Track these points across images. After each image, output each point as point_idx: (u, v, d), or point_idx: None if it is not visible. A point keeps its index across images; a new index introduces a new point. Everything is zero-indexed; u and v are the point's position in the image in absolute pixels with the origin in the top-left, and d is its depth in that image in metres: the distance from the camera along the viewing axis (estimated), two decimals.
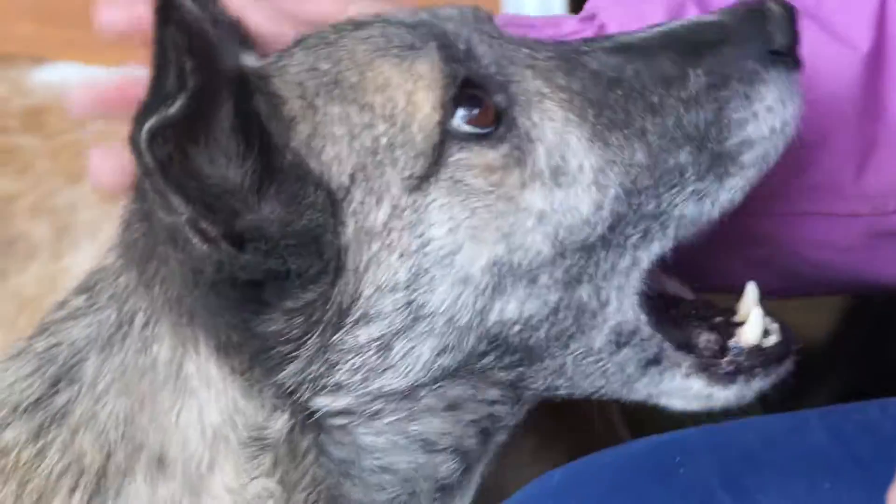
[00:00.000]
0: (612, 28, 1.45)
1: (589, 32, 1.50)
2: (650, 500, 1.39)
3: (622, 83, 1.23)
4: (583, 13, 1.53)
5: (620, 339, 1.23)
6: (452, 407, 1.23)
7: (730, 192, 1.24)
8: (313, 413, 1.18)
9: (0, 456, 1.22)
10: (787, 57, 1.25)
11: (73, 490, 1.20)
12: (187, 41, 1.05)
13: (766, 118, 1.24)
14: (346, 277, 1.16)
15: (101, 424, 1.20)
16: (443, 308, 1.17)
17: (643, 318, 1.25)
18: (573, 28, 1.51)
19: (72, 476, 1.21)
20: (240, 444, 1.18)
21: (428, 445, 1.24)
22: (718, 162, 1.23)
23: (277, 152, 1.16)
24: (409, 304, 1.17)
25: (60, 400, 1.22)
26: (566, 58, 1.23)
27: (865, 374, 2.07)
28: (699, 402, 1.27)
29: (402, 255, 1.16)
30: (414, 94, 1.18)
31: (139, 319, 1.20)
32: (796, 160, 1.41)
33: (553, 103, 1.21)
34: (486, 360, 1.21)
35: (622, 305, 1.24)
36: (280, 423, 1.18)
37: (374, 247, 1.16)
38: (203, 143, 1.11)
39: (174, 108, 1.05)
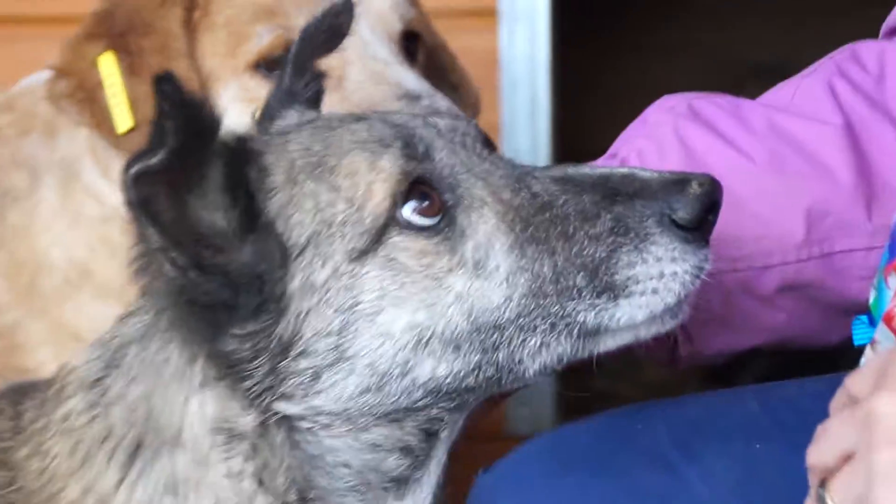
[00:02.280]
0: (633, 159, 1.67)
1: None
2: (618, 457, 1.64)
3: (551, 208, 1.41)
4: (608, 153, 1.76)
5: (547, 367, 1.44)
6: (396, 420, 1.43)
7: (625, 310, 1.42)
8: (277, 414, 1.39)
9: (63, 419, 1.45)
10: (687, 228, 1.41)
11: (112, 452, 1.42)
12: (171, 108, 1.23)
13: (654, 265, 1.42)
14: (288, 318, 1.37)
15: (129, 403, 1.42)
16: (363, 354, 1.38)
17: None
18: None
19: (111, 442, 1.43)
20: (227, 432, 1.40)
21: (376, 448, 1.44)
22: (610, 289, 1.41)
23: (259, 211, 1.36)
24: (337, 347, 1.38)
25: (107, 381, 1.45)
26: (517, 177, 1.43)
27: (784, 360, 2.32)
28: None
29: (336, 310, 1.37)
30: (373, 183, 1.38)
31: (163, 323, 1.41)
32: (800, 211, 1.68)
33: (490, 211, 1.41)
34: (426, 404, 1.41)
35: (535, 365, 1.43)
36: (250, 420, 1.39)
37: (315, 299, 1.37)
38: (197, 193, 1.31)
39: (155, 159, 1.24)
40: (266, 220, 1.36)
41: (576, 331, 1.42)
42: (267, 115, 1.55)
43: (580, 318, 1.43)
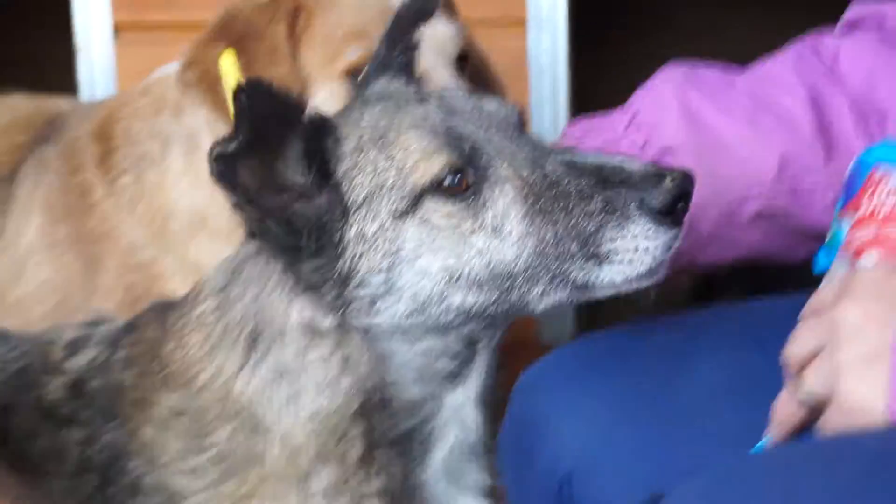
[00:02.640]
0: (644, 112, 1.93)
1: (626, 118, 1.93)
2: (629, 360, 1.91)
3: (557, 186, 1.63)
4: (621, 107, 2.01)
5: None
6: (440, 334, 1.70)
7: (607, 275, 1.64)
8: (353, 323, 1.69)
9: (198, 317, 1.74)
10: (661, 213, 1.61)
11: (234, 343, 1.73)
12: (248, 104, 1.53)
13: (631, 241, 1.61)
14: (345, 258, 1.66)
15: (245, 304, 1.72)
16: (407, 287, 1.66)
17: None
18: (616, 117, 1.95)
19: (233, 335, 1.73)
20: (318, 332, 1.69)
21: (428, 353, 1.72)
22: (596, 256, 1.63)
23: (330, 174, 1.65)
24: (387, 282, 1.66)
25: (230, 287, 1.76)
26: (535, 158, 1.65)
27: (759, 283, 2.55)
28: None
29: (383, 255, 1.65)
30: (419, 161, 1.64)
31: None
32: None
33: (510, 187, 1.64)
34: (461, 322, 1.67)
35: (540, 305, 1.68)
36: (329, 322, 1.68)
37: (367, 246, 1.66)
38: (281, 160, 1.61)
39: (230, 147, 1.56)
40: (335, 181, 1.64)
41: (569, 284, 1.66)
42: (364, 82, 1.80)
43: (572, 275, 1.64)
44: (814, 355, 1.61)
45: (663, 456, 1.84)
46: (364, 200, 1.64)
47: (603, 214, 1.62)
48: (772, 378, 1.70)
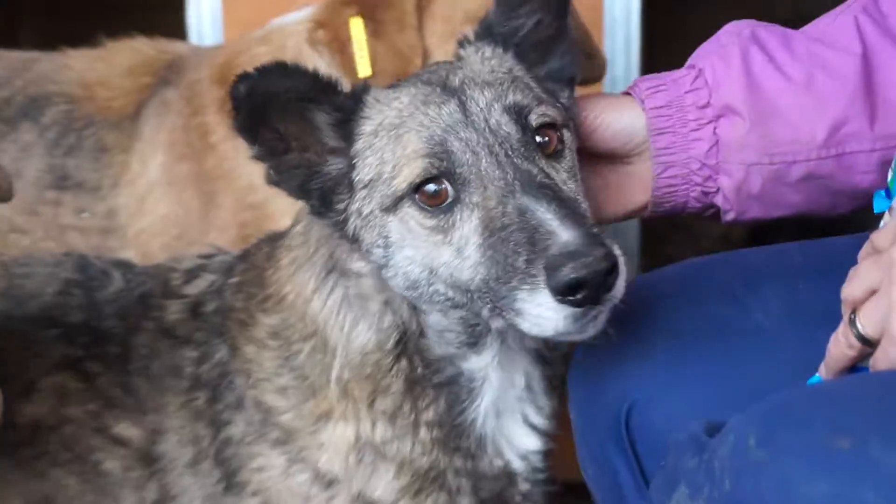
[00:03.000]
0: (708, 72, 1.97)
1: (690, 77, 1.97)
2: (695, 291, 1.99)
3: (505, 230, 1.70)
4: (687, 64, 2.05)
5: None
6: (442, 311, 1.84)
7: (525, 326, 1.69)
8: None
9: (287, 244, 1.96)
10: (560, 293, 1.64)
11: (311, 268, 1.92)
12: (301, 91, 1.73)
13: (535, 307, 1.67)
14: (348, 227, 1.82)
15: (318, 237, 1.91)
16: (399, 266, 1.80)
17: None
18: (682, 75, 2.01)
19: (311, 261, 1.93)
20: (370, 271, 1.86)
21: (439, 325, 1.87)
22: (514, 308, 1.69)
23: (349, 146, 1.79)
24: (384, 256, 1.82)
25: (308, 232, 1.95)
26: (504, 193, 1.72)
27: (807, 227, 2.61)
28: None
29: (378, 235, 1.81)
30: (405, 166, 1.76)
31: None
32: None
33: (476, 215, 1.74)
34: (454, 304, 1.78)
35: (497, 324, 1.80)
36: (364, 265, 1.86)
37: (364, 223, 1.81)
38: (312, 123, 1.77)
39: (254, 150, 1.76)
40: (351, 154, 1.81)
41: (503, 319, 1.74)
42: (464, 42, 1.91)
43: (504, 314, 1.72)
44: (870, 294, 1.65)
45: (720, 388, 1.91)
46: (367, 183, 1.79)
47: (521, 275, 1.69)
48: (828, 313, 1.75)
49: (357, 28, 2.48)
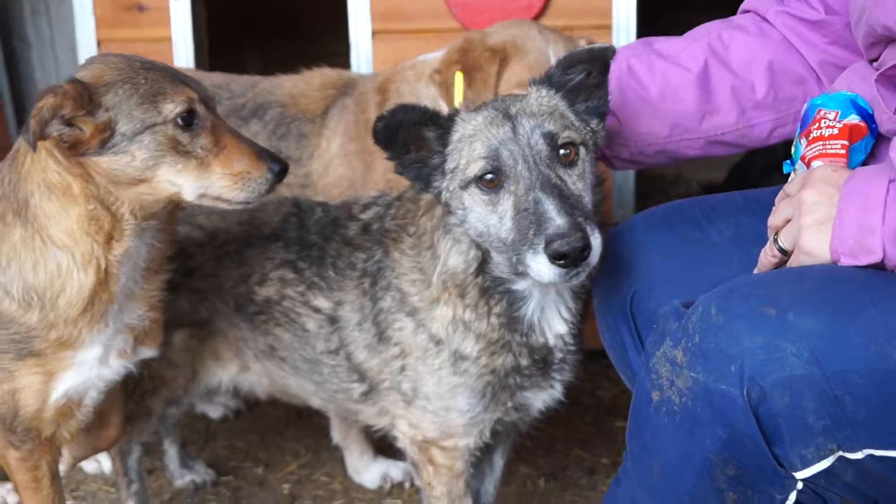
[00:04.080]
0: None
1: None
2: (674, 221, 2.40)
3: (527, 212, 2.18)
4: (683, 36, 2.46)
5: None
6: (501, 252, 2.31)
7: (529, 277, 2.24)
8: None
9: (419, 200, 2.46)
10: (551, 258, 2.12)
11: (433, 207, 2.42)
12: (416, 119, 2.23)
13: (535, 267, 2.16)
14: (443, 197, 2.32)
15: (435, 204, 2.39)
16: (469, 223, 2.29)
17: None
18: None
19: (433, 212, 2.45)
20: (453, 223, 2.35)
21: (496, 258, 2.36)
22: (524, 266, 2.19)
23: (444, 150, 2.27)
24: (462, 216, 2.31)
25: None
26: (529, 187, 2.20)
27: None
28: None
29: (458, 202, 2.30)
30: (474, 162, 2.25)
31: None
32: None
33: (512, 199, 2.21)
34: (498, 245, 2.26)
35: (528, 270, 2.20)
36: (454, 219, 2.35)
37: (451, 195, 2.34)
38: (423, 138, 2.26)
39: (383, 122, 2.23)
40: (445, 153, 2.33)
41: (521, 269, 2.24)
42: (531, 83, 2.36)
43: (521, 266, 2.24)
44: (786, 222, 2.00)
45: (691, 282, 2.33)
46: (453, 171, 2.33)
47: (530, 243, 2.16)
48: (759, 236, 2.12)
49: (459, 79, 3.03)
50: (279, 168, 2.29)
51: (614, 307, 2.42)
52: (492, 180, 2.23)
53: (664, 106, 2.42)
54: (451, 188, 2.28)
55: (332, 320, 2.64)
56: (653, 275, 2.36)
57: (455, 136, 2.29)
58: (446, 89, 3.06)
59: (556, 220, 2.12)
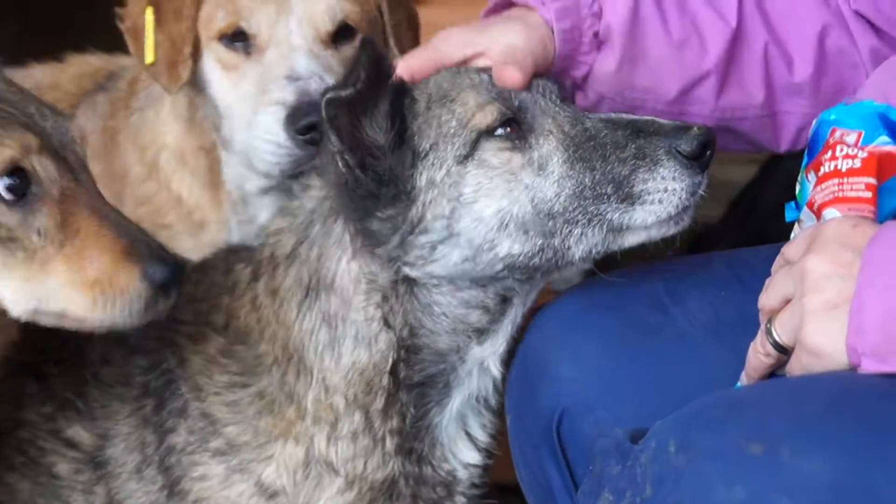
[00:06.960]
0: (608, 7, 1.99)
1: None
2: (626, 300, 1.99)
3: (595, 139, 1.78)
4: None
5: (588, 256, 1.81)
6: (482, 285, 1.83)
7: (640, 215, 1.80)
8: (403, 275, 1.81)
9: (268, 283, 1.90)
10: (689, 158, 1.76)
11: (293, 296, 1.89)
12: (366, 62, 1.68)
13: (661, 182, 1.78)
14: (417, 205, 1.79)
15: (309, 263, 1.87)
16: (464, 232, 1.79)
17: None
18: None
19: (294, 289, 1.89)
20: (367, 284, 1.82)
21: (466, 304, 1.85)
22: (630, 198, 1.78)
23: (406, 129, 1.78)
24: (448, 227, 1.79)
25: (299, 250, 1.90)
26: (575, 118, 1.80)
27: (743, 239, 2.61)
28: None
29: (448, 200, 1.79)
30: (476, 112, 1.78)
31: (328, 207, 1.85)
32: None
33: (553, 137, 1.78)
34: (504, 276, 1.81)
35: (579, 250, 1.81)
36: (386, 275, 1.81)
37: (435, 192, 1.79)
38: (369, 117, 1.73)
39: (344, 93, 1.69)
40: (409, 135, 1.78)
41: (605, 226, 1.78)
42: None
43: (608, 216, 1.78)
44: (785, 303, 1.65)
45: (648, 395, 1.90)
46: (431, 148, 1.79)
47: (635, 160, 1.77)
48: (748, 320, 1.75)
49: (148, 18, 2.50)
50: (163, 275, 1.63)
51: (534, 430, 1.99)
52: (510, 132, 1.83)
53: (682, 56, 2.07)
54: (437, 178, 1.79)
55: (96, 463, 1.93)
56: (590, 384, 1.94)
57: (419, 105, 1.82)
58: (136, 37, 2.51)
59: (661, 120, 1.84)
